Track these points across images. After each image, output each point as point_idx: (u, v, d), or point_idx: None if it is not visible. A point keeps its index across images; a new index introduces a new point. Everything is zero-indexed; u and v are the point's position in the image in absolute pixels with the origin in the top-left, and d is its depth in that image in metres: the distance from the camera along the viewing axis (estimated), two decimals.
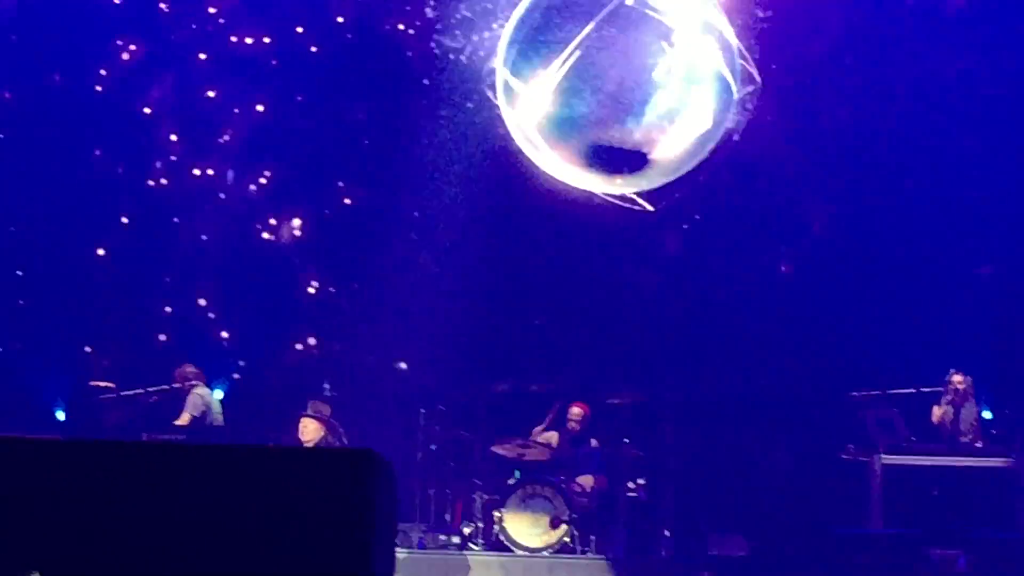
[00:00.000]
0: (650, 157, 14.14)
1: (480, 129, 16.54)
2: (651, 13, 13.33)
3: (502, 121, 14.71)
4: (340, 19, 18.91)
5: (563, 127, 13.93)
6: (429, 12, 17.23)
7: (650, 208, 14.12)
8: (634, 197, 14.16)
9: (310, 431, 14.77)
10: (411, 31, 18.28)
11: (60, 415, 17.66)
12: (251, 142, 19.00)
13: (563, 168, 14.17)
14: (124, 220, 18.67)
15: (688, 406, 17.49)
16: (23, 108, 18.57)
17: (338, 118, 18.83)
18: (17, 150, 18.35)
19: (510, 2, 15.37)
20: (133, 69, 18.93)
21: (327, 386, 16.13)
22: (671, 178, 14.21)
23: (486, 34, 15.79)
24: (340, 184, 18.98)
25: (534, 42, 13.38)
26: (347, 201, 18.95)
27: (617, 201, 14.32)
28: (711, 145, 13.99)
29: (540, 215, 16.98)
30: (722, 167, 14.63)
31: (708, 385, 17.41)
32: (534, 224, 17.51)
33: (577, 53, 13.23)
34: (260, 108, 18.96)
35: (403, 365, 17.94)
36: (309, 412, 14.98)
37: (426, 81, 17.44)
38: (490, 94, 14.20)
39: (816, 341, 17.10)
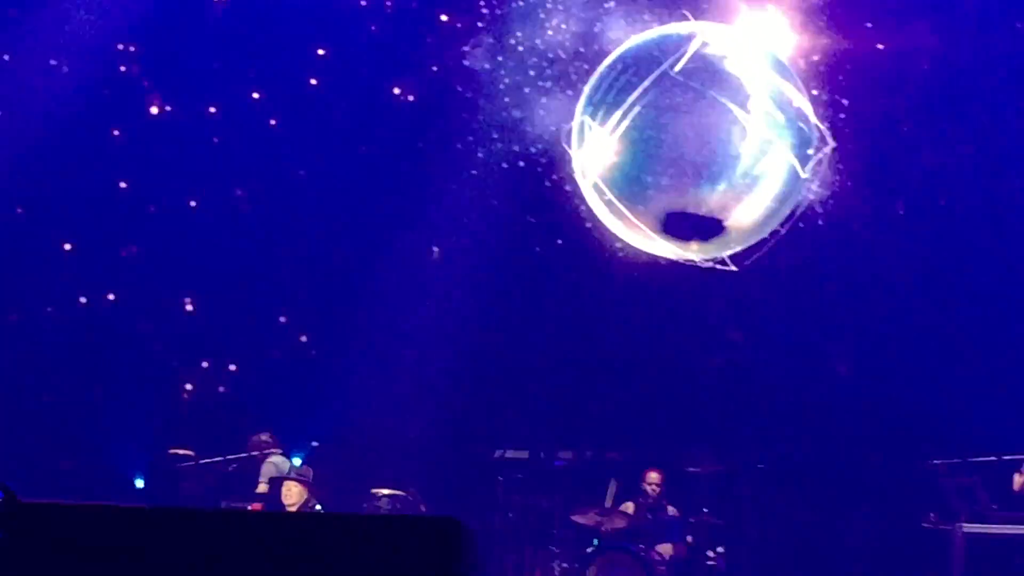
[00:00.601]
0: (726, 224, 14.08)
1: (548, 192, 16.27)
2: (694, 85, 13.26)
3: (577, 187, 14.64)
4: (313, 81, 15.90)
5: (636, 193, 13.90)
6: (434, 69, 15.53)
7: (733, 268, 14.03)
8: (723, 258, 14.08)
9: (294, 494, 14.66)
10: (411, 97, 16.03)
11: (139, 483, 17.73)
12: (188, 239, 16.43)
13: (637, 234, 14.14)
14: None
15: (768, 474, 17.35)
16: None
17: (318, 212, 16.59)
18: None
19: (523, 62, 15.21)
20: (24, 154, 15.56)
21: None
22: (747, 244, 14.14)
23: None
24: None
25: (614, 101, 13.32)
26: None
27: (701, 263, 14.25)
28: (788, 209, 13.92)
29: (622, 287, 16.84)
30: (802, 229, 14.53)
31: (788, 453, 17.27)
32: (616, 295, 17.34)
33: (626, 122, 13.19)
34: (193, 204, 16.39)
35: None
36: (292, 475, 14.94)
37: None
38: (567, 148, 14.04)
39: (896, 409, 16.92)
